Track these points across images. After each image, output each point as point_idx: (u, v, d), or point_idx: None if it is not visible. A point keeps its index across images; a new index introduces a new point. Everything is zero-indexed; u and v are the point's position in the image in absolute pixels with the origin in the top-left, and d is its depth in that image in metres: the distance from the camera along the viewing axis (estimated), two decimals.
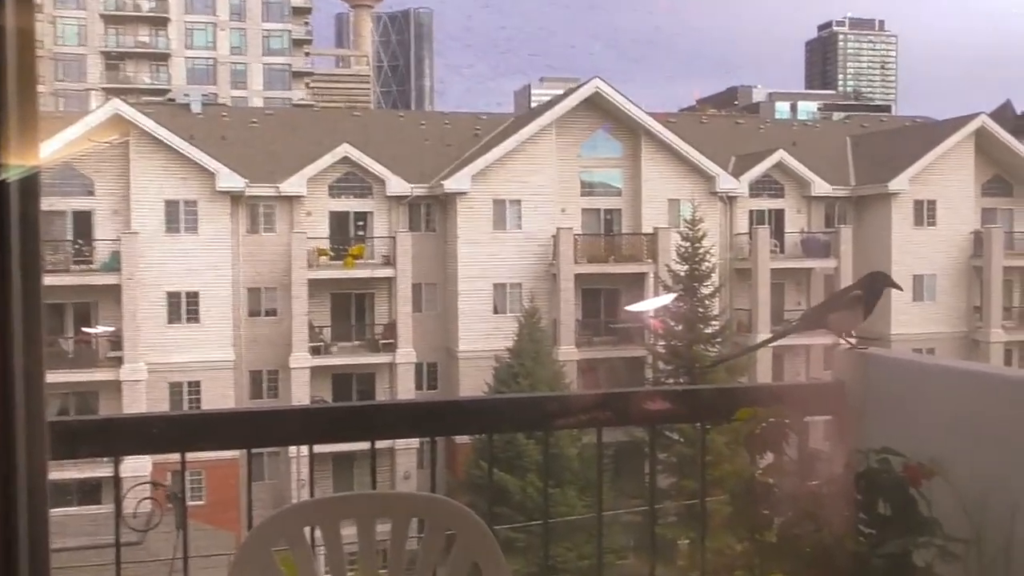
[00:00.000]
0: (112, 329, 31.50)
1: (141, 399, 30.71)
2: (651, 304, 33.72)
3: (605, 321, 35.65)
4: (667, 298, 31.77)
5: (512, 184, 35.15)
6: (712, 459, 2.10)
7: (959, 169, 39.00)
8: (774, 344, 34.19)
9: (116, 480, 2.88)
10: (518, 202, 35.31)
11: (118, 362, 31.41)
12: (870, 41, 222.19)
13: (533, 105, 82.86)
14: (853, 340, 2.54)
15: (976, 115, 39.46)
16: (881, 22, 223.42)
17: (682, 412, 2.77)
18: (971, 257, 38.91)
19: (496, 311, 34.88)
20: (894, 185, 38.22)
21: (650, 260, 34.87)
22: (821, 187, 39.06)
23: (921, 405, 2.30)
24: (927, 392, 2.31)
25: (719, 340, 32.13)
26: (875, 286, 2.58)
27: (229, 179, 33.18)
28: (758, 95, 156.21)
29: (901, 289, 2.58)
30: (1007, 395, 2.08)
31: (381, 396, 33.42)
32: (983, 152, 39.30)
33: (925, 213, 39.00)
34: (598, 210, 36.84)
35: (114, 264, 31.94)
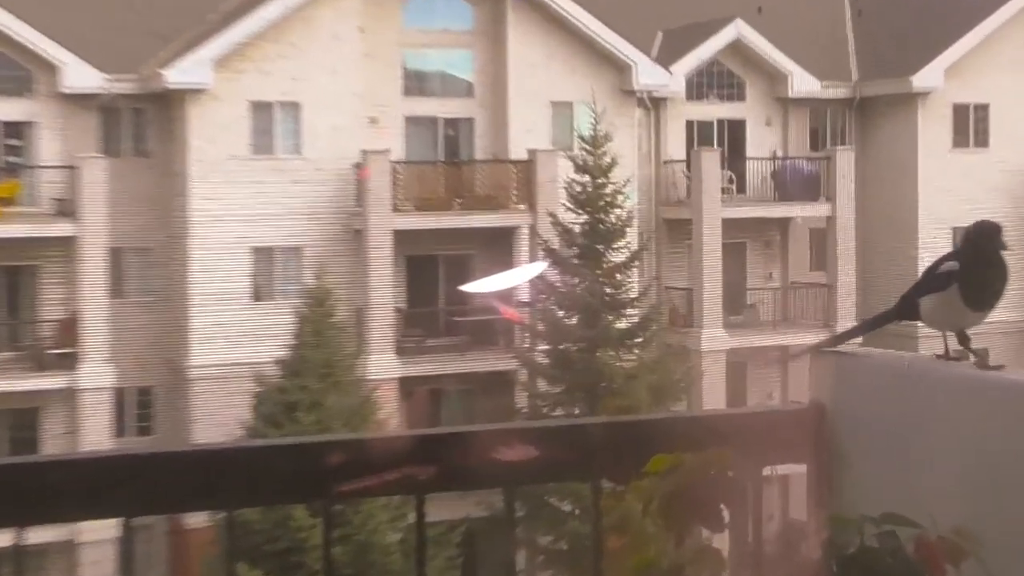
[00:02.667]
0: None
1: None
2: (523, 277, 33.96)
3: (447, 311, 35.79)
4: (541, 266, 32.08)
5: (284, 76, 34.85)
6: (628, 541, 2.10)
7: (1023, 56, 40.80)
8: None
9: None
10: (294, 106, 35.03)
11: None
12: None
13: None
14: (952, 346, 2.61)
15: None
16: None
17: (564, 462, 2.74)
18: None
19: (258, 296, 34.63)
20: (921, 81, 39.63)
21: (523, 206, 35.21)
22: (804, 83, 40.15)
23: (937, 443, 2.41)
24: (947, 422, 2.41)
25: (640, 340, 32.68)
26: (977, 249, 2.64)
27: None
28: None
29: (1006, 248, 2.64)
30: None
31: (51, 447, 32.78)
32: None
33: (972, 126, 40.62)
34: (434, 120, 36.93)
35: None
